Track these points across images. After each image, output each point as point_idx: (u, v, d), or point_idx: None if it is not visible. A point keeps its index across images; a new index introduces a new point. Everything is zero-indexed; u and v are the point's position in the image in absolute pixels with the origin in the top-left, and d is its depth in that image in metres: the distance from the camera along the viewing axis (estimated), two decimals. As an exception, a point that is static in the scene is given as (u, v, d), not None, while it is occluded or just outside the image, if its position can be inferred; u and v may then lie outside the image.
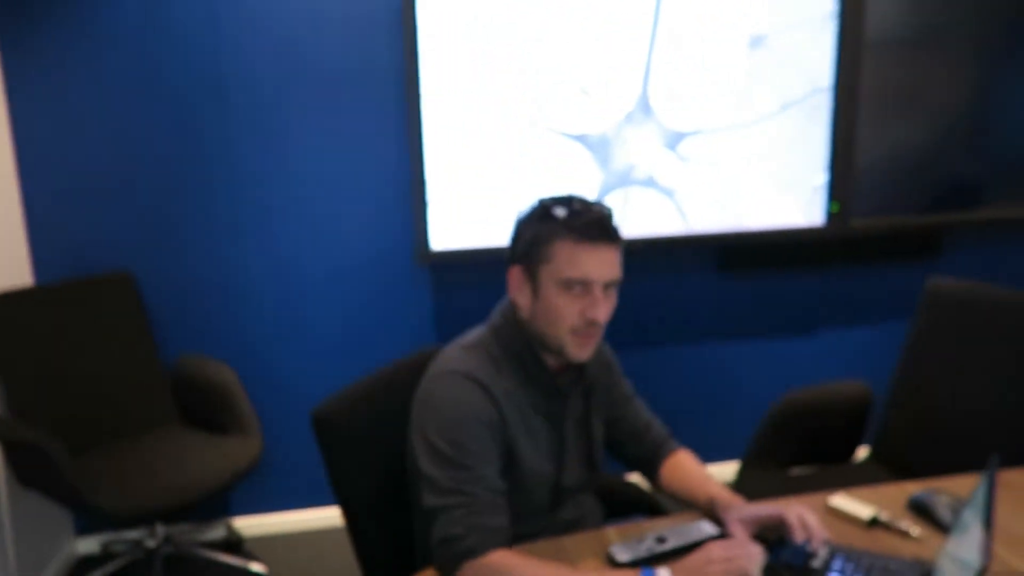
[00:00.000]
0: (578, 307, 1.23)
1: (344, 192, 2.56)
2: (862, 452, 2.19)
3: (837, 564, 1.19)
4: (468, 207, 2.49)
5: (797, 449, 2.14)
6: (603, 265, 1.24)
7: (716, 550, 1.15)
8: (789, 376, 2.93)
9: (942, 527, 1.29)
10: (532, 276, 1.27)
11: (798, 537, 1.18)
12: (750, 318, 2.92)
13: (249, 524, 2.73)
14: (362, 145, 2.54)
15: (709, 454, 2.98)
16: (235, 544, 2.66)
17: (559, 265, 1.23)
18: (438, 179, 2.46)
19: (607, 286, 1.26)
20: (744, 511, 1.26)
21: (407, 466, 1.33)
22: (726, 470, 2.96)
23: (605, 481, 1.55)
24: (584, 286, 1.23)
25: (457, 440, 1.19)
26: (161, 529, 2.50)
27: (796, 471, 2.13)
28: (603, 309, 1.24)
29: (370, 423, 1.39)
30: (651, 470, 1.49)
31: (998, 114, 2.79)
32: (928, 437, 2.02)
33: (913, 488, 1.42)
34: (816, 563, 1.19)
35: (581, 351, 1.27)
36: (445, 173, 2.46)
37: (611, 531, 1.35)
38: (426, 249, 2.48)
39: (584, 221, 1.23)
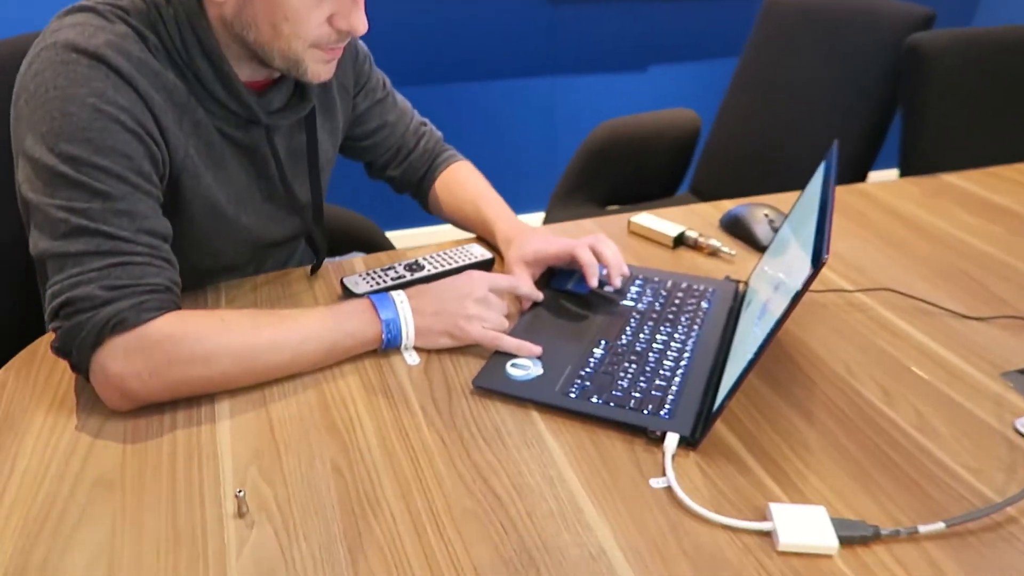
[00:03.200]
0: (326, 11, 0.78)
1: None
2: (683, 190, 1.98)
3: (634, 287, 0.94)
4: None
5: (614, 184, 1.89)
6: None
7: (479, 284, 0.85)
8: (617, 113, 2.65)
9: (758, 246, 1.07)
10: None
11: (591, 280, 0.90)
12: (578, 51, 2.56)
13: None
14: None
15: (530, 203, 2.73)
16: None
17: None
18: None
19: None
20: (527, 247, 0.95)
21: (20, 204, 0.80)
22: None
23: (331, 220, 1.19)
24: None
25: (77, 154, 0.71)
26: None
27: (612, 209, 1.90)
28: (364, 15, 0.80)
29: None
30: (421, 192, 1.14)
31: None
32: (749, 170, 1.82)
33: (729, 205, 1.19)
34: (609, 290, 0.93)
35: (325, 69, 0.83)
36: None
37: (356, 260, 1.03)
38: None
39: None
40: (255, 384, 0.77)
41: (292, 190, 0.93)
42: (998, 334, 0.88)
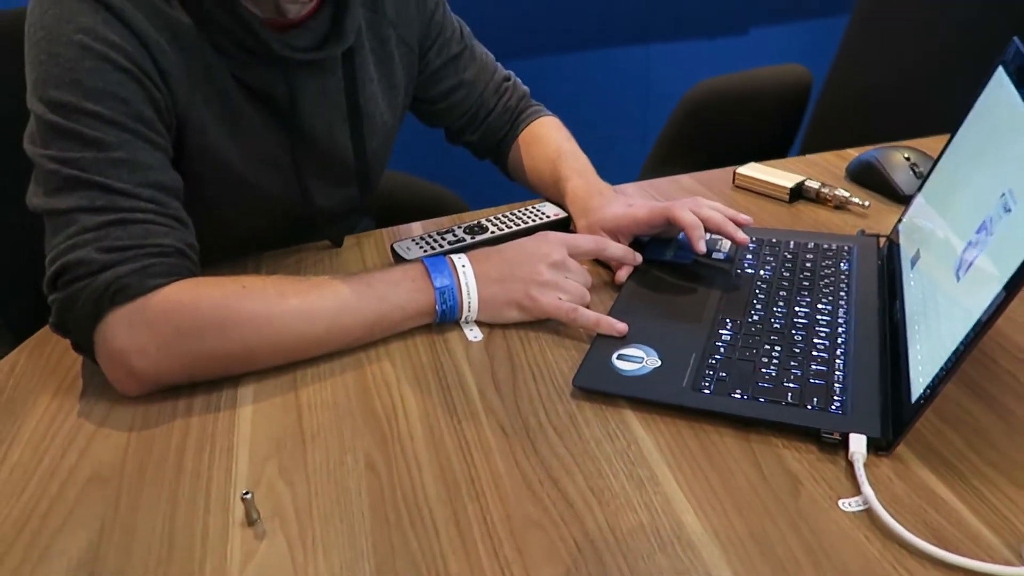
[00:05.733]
0: None
1: None
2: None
3: (748, 254, 0.76)
4: None
5: (713, 150, 1.70)
6: None
7: (556, 245, 0.70)
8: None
9: (899, 197, 0.87)
10: None
11: (697, 243, 0.71)
12: (673, 14, 2.37)
13: None
14: None
15: (628, 174, 2.56)
16: None
17: None
18: None
19: None
20: (605, 211, 0.78)
21: None
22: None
23: (400, 190, 1.05)
24: None
25: (64, 100, 0.61)
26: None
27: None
28: None
29: None
30: (500, 154, 0.98)
31: None
32: (877, 122, 1.58)
33: (855, 154, 0.99)
34: (719, 256, 0.76)
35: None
36: None
37: (413, 225, 0.90)
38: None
39: None
40: (284, 363, 0.64)
41: (320, 150, 0.80)
42: None
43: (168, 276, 0.61)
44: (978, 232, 0.53)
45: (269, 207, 0.80)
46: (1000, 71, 0.64)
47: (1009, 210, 0.49)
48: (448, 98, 0.93)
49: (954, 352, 0.48)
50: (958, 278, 0.53)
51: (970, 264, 0.52)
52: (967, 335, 0.47)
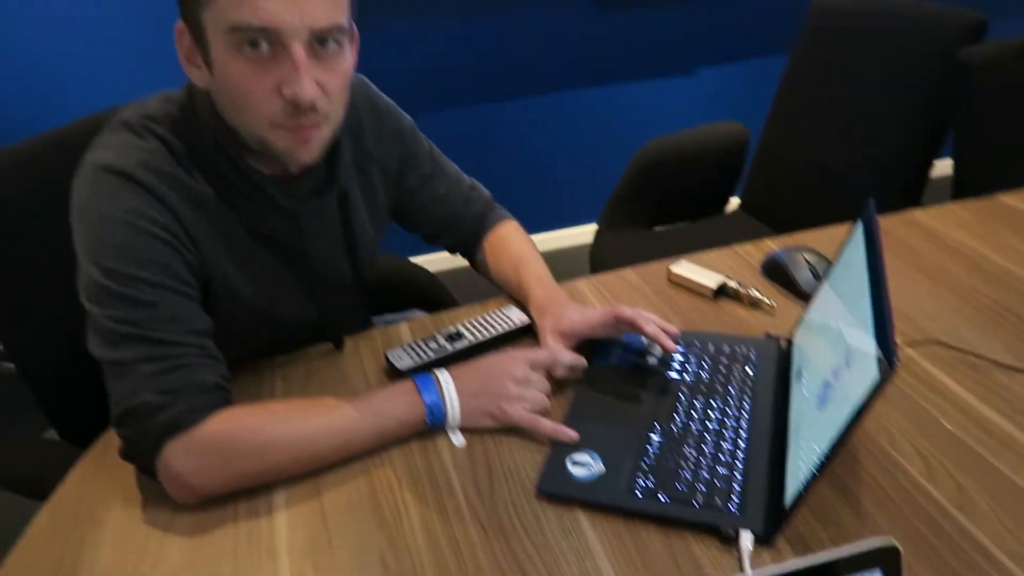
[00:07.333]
0: (271, 81, 0.75)
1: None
2: (733, 203, 1.96)
3: (677, 356, 0.95)
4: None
5: (663, 201, 1.89)
6: (296, 1, 0.72)
7: (519, 363, 0.88)
8: (665, 121, 2.63)
9: (800, 294, 1.06)
10: (197, 33, 0.77)
11: (648, 330, 0.89)
12: (622, 57, 2.54)
13: None
14: None
15: (579, 214, 2.74)
16: None
17: (221, 4, 0.72)
18: None
19: (319, 39, 0.75)
20: (562, 319, 0.95)
21: None
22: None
23: (382, 268, 1.22)
24: (271, 41, 0.73)
25: (117, 269, 0.77)
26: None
27: (661, 229, 1.90)
28: (309, 82, 0.75)
29: (34, 205, 0.99)
30: (471, 256, 1.17)
31: None
32: (799, 184, 1.79)
33: (772, 245, 1.18)
34: (652, 360, 0.94)
35: (299, 150, 0.80)
36: None
37: (402, 326, 1.07)
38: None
39: None
40: (309, 473, 0.81)
41: (323, 274, 0.96)
42: (1050, 390, 0.86)
43: (210, 409, 0.78)
44: (832, 374, 0.71)
45: (280, 325, 0.97)
46: (859, 225, 0.83)
47: (849, 365, 0.68)
48: (424, 211, 1.10)
49: (814, 467, 0.66)
50: (819, 408, 0.72)
51: (826, 401, 0.70)
52: (821, 457, 0.65)
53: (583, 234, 2.70)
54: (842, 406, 0.65)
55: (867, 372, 0.62)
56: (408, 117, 1.06)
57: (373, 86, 1.02)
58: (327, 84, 0.78)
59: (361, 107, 0.98)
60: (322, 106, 0.78)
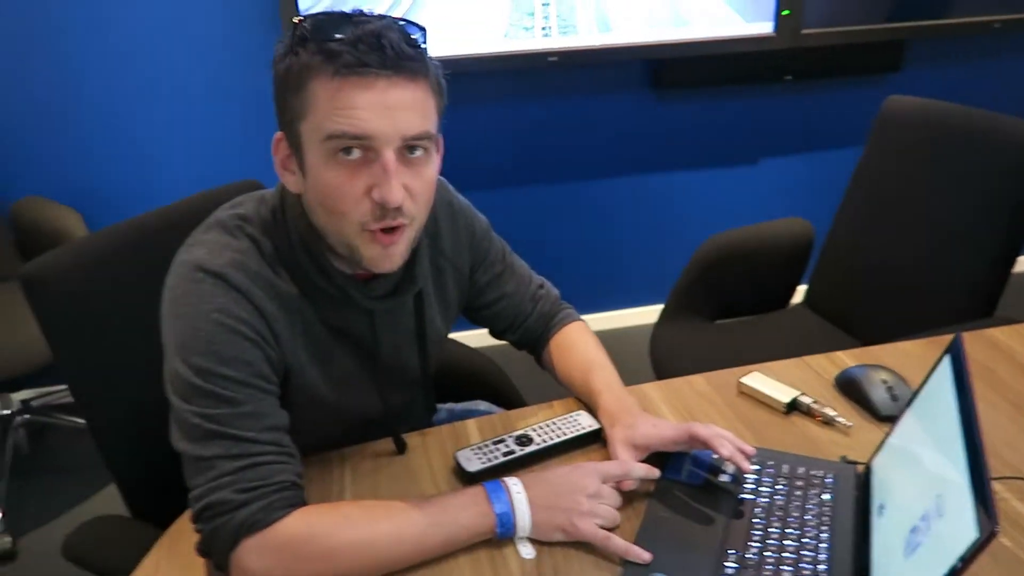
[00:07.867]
0: (362, 184, 0.79)
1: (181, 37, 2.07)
2: (797, 296, 1.94)
3: (750, 476, 0.93)
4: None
5: (725, 297, 1.88)
6: (389, 110, 0.76)
7: (592, 477, 0.87)
8: (727, 211, 2.64)
9: (876, 414, 1.04)
10: (295, 142, 0.82)
11: (725, 453, 0.88)
12: (685, 145, 2.58)
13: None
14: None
15: (638, 298, 2.74)
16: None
17: (319, 116, 0.77)
18: None
19: (408, 147, 0.79)
20: (635, 431, 0.94)
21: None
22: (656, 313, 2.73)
23: (449, 355, 1.23)
24: (364, 148, 0.78)
25: (204, 366, 0.79)
26: (14, 396, 2.21)
27: (722, 322, 1.88)
28: (397, 186, 0.78)
29: (118, 293, 1.04)
30: (537, 354, 1.18)
31: None
32: (869, 285, 1.76)
33: (846, 359, 1.16)
34: (724, 478, 0.93)
35: (384, 258, 0.83)
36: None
37: (470, 424, 1.07)
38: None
39: (351, 41, 0.75)
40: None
41: (392, 368, 0.99)
42: None
43: (286, 508, 0.79)
44: (922, 520, 0.69)
45: (349, 418, 0.99)
46: (947, 359, 0.81)
47: (942, 515, 0.66)
48: (492, 307, 1.12)
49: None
50: (907, 555, 0.69)
51: (915, 548, 0.68)
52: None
53: (641, 314, 2.71)
54: (934, 561, 0.63)
55: (964, 528, 0.60)
56: (483, 217, 1.09)
57: (451, 187, 1.06)
58: (413, 188, 0.81)
59: (439, 207, 1.02)
60: (408, 208, 0.82)
